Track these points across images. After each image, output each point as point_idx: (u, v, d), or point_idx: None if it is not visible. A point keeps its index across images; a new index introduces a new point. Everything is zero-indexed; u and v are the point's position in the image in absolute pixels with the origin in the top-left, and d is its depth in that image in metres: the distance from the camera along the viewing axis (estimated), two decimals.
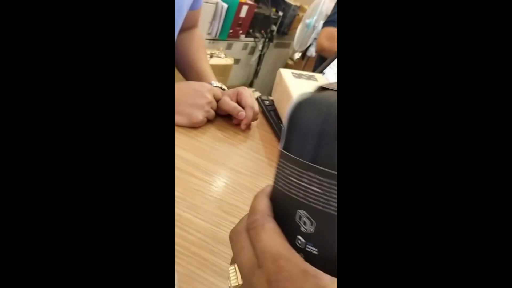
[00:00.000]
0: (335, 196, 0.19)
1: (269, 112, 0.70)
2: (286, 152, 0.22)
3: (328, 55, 0.86)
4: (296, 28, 2.12)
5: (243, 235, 0.23)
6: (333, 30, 1.22)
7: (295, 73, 0.68)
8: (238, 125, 0.63)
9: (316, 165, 0.20)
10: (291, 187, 0.21)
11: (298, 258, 0.20)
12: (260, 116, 0.67)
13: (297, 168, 0.21)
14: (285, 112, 0.72)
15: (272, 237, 0.21)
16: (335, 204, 0.19)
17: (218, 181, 0.49)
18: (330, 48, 0.92)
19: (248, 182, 0.51)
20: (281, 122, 0.65)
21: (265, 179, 0.53)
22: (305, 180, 0.20)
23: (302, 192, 0.21)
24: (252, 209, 0.23)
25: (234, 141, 0.60)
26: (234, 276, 0.23)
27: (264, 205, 0.23)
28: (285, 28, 2.33)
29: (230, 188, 0.49)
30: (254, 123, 0.66)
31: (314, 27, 1.96)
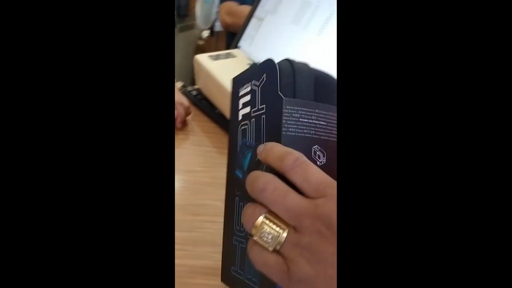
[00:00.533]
0: (335, 125, 0.25)
1: (200, 101, 0.69)
2: (294, 99, 0.25)
3: (234, 29, 0.85)
4: (195, 7, 2.05)
5: (278, 182, 0.22)
6: (231, 4, 1.20)
7: (212, 56, 0.67)
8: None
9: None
10: (303, 127, 0.25)
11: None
12: (192, 109, 0.66)
13: (307, 109, 0.25)
14: (216, 98, 0.71)
15: (319, 169, 0.22)
16: (335, 132, 0.25)
17: (176, 188, 0.48)
18: (234, 23, 0.91)
19: (206, 177, 0.51)
20: (216, 109, 0.65)
21: (222, 168, 0.53)
22: (314, 117, 0.25)
23: (313, 128, 0.25)
24: (285, 152, 0.22)
25: (176, 142, 0.58)
26: (274, 225, 0.21)
27: (287, 147, 0.23)
28: (183, 10, 2.25)
29: (190, 190, 0.48)
30: (189, 118, 0.64)
31: (213, 1, 1.92)
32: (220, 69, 0.62)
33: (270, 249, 0.21)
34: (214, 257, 0.38)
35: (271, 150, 0.23)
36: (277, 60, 0.26)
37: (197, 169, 0.52)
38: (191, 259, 0.38)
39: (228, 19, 1.17)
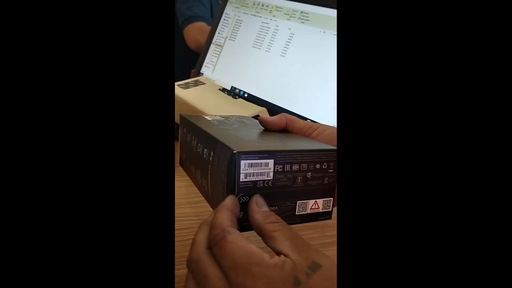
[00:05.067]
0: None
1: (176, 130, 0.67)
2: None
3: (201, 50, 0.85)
4: None
5: (203, 260, 0.21)
6: (202, 25, 1.19)
7: (181, 85, 0.66)
8: None
9: None
10: None
11: (266, 257, 0.20)
12: None
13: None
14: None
15: (237, 247, 0.20)
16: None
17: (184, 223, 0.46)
18: (203, 43, 0.89)
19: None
20: None
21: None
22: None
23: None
24: (211, 226, 0.22)
25: None
26: None
27: (221, 218, 0.22)
28: None
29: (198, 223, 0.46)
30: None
31: None
32: (196, 97, 0.62)
33: None
34: None
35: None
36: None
37: (195, 200, 0.51)
38: None
39: (201, 38, 1.13)
